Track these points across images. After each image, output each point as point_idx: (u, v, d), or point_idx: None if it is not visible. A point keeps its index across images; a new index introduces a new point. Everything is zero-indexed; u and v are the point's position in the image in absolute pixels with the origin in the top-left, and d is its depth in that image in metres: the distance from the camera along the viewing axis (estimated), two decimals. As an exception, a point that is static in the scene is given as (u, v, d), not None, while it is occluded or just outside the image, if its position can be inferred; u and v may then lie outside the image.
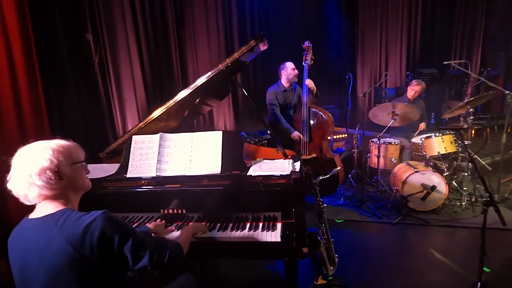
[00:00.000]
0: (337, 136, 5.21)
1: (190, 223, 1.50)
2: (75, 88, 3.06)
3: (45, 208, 0.99)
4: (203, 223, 1.50)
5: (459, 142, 3.19)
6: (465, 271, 2.14)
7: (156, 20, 4.15)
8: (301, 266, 1.60)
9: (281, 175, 1.54)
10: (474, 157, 3.11)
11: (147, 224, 1.46)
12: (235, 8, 4.83)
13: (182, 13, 4.42)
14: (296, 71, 3.15)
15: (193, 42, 4.57)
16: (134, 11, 3.90)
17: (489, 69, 5.13)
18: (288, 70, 3.15)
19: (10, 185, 0.98)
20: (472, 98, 2.92)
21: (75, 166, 1.03)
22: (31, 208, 1.01)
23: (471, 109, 2.98)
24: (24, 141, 1.02)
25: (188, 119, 2.42)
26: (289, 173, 1.54)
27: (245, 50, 1.75)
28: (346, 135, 5.12)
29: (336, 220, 2.96)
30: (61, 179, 0.98)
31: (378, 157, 3.34)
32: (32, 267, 0.94)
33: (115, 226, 0.96)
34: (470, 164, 3.20)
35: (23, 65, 2.36)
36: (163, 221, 1.50)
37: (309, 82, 3.02)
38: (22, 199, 0.98)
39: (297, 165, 1.65)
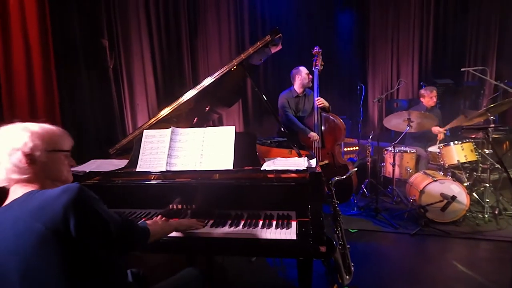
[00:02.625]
0: (348, 149, 5.09)
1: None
2: (89, 91, 3.10)
3: (14, 194, 0.90)
4: (200, 221, 1.42)
5: (480, 150, 3.05)
6: (493, 284, 1.97)
7: (170, 29, 4.24)
8: (315, 275, 1.50)
9: (296, 170, 1.46)
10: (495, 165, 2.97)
11: (147, 221, 1.38)
12: (247, 19, 4.91)
13: (195, 23, 4.52)
14: (311, 76, 3.13)
15: (205, 51, 4.64)
16: (149, 20, 4.01)
17: (506, 81, 5.00)
18: (303, 75, 3.14)
19: None
20: (492, 105, 2.81)
21: (55, 154, 0.94)
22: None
23: (492, 117, 2.87)
24: None
25: (197, 126, 2.40)
26: (305, 168, 1.46)
27: (260, 45, 1.73)
28: (357, 147, 4.99)
29: (350, 230, 2.82)
30: (33, 164, 0.90)
31: (393, 165, 3.22)
32: (3, 258, 0.84)
33: (88, 197, 0.87)
34: (491, 175, 3.05)
35: (40, 66, 2.41)
36: (163, 218, 1.43)
37: (319, 102, 2.98)
38: None
39: (313, 162, 1.58)
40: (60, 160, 0.97)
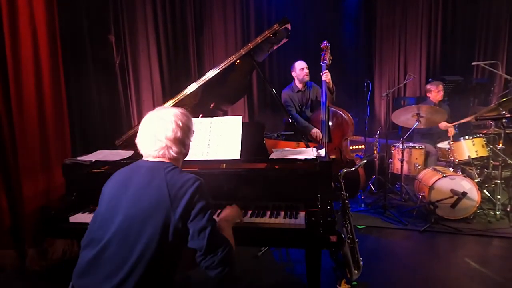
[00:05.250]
0: (355, 147, 5.02)
1: (226, 209, 1.33)
2: (96, 86, 3.11)
3: (159, 159, 1.09)
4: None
5: (491, 146, 2.98)
6: (509, 282, 1.91)
7: (176, 26, 4.24)
8: (322, 272, 1.46)
9: (305, 159, 1.43)
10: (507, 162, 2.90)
11: None
12: (253, 15, 4.89)
13: (201, 19, 4.52)
14: (305, 71, 3.11)
15: (211, 48, 4.63)
16: (155, 16, 4.01)
17: (516, 78, 4.89)
18: (297, 71, 3.14)
19: (142, 139, 1.09)
20: (504, 99, 2.74)
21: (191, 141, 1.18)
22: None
23: (503, 112, 2.79)
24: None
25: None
26: (314, 157, 1.43)
27: (268, 34, 1.70)
28: (363, 145, 4.92)
29: (358, 226, 2.77)
30: (188, 147, 1.15)
31: (402, 161, 3.16)
32: (128, 194, 1.01)
33: (205, 196, 1.02)
34: (503, 172, 2.97)
35: (48, 61, 2.40)
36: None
37: (326, 76, 2.92)
38: (146, 151, 1.10)
39: (322, 151, 1.55)
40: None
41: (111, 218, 1.01)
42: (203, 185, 1.03)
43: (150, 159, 1.10)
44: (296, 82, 3.19)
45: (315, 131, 2.96)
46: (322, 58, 3.00)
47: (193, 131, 1.18)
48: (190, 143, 1.17)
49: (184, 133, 1.10)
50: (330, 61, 3.01)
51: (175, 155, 1.08)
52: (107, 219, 1.02)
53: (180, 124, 1.09)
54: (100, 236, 1.01)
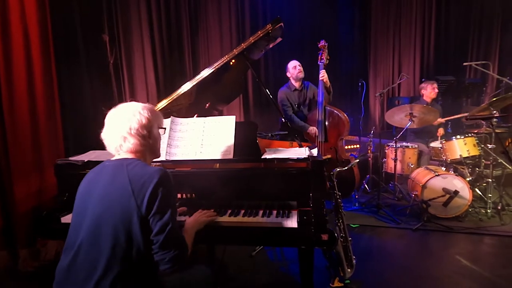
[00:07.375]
0: (350, 146, 5.06)
1: (196, 214, 1.33)
2: (89, 86, 3.09)
3: (123, 156, 1.08)
4: (211, 211, 1.37)
5: (482, 145, 3.02)
6: (499, 279, 1.94)
7: (171, 25, 4.23)
8: (316, 270, 1.47)
9: (298, 159, 1.44)
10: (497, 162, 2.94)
11: None
12: (248, 14, 4.89)
13: (196, 18, 4.50)
14: (299, 68, 3.12)
15: (206, 47, 4.62)
16: (150, 16, 3.99)
17: (508, 78, 4.96)
18: (291, 70, 3.16)
19: (104, 136, 1.09)
20: (494, 99, 2.78)
21: (160, 130, 1.15)
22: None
23: (494, 111, 2.83)
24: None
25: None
26: (307, 157, 1.44)
27: (261, 35, 1.71)
28: (358, 145, 4.95)
29: (352, 225, 2.80)
30: (149, 139, 1.09)
31: (395, 160, 3.19)
32: (94, 195, 1.01)
33: (168, 188, 0.99)
34: (494, 171, 3.01)
35: (40, 61, 2.37)
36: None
37: (323, 75, 2.94)
38: (110, 148, 1.09)
39: (315, 151, 1.56)
40: (160, 137, 1.17)
41: (80, 221, 1.00)
42: (167, 177, 1.00)
43: (115, 156, 1.09)
44: (292, 81, 3.20)
45: (312, 129, 2.98)
46: (319, 57, 3.01)
47: (158, 125, 1.13)
48: (161, 137, 1.16)
49: (141, 125, 1.05)
50: (328, 60, 3.02)
51: (131, 146, 1.05)
52: (77, 223, 1.01)
53: (138, 115, 1.06)
54: (72, 241, 1.00)
